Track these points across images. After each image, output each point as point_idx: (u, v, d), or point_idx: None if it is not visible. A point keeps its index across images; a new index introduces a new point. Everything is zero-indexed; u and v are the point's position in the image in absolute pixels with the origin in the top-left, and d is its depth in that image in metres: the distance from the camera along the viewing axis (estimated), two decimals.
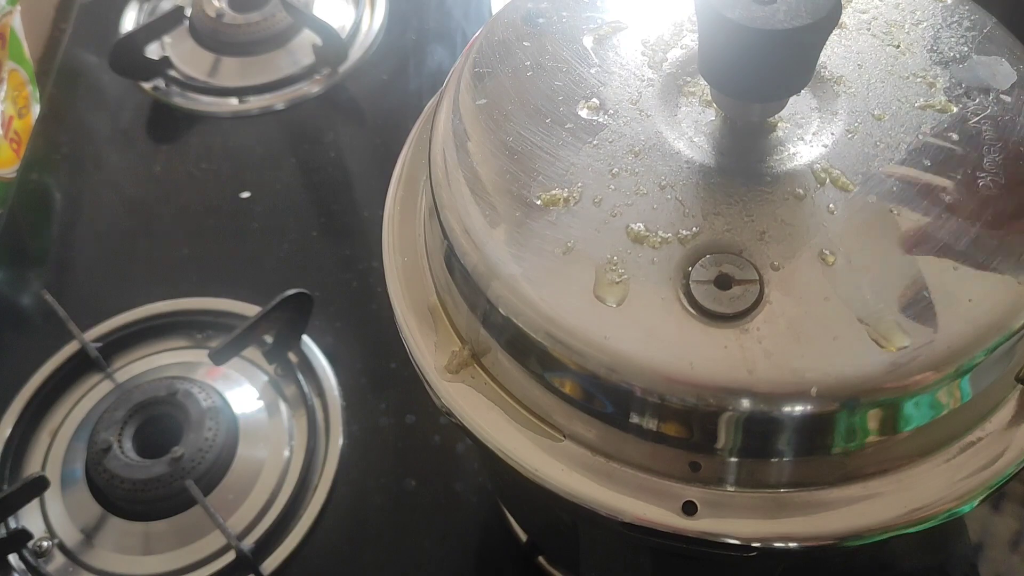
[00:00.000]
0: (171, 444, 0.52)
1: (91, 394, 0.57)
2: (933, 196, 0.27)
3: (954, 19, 0.31)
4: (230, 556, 0.50)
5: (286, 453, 0.54)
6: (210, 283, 0.61)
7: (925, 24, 0.31)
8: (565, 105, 0.29)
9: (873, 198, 0.27)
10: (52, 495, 0.53)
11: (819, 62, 0.29)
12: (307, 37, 0.74)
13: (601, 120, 0.29)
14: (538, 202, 0.27)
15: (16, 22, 0.72)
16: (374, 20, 0.77)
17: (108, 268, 0.64)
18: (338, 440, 0.54)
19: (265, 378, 0.57)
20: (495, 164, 0.28)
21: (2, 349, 0.60)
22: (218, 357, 0.54)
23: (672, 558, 0.31)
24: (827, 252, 0.26)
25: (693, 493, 0.26)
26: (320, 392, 0.56)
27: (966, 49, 0.30)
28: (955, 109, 0.29)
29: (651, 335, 0.25)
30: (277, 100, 0.72)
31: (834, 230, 0.26)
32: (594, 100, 0.29)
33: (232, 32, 0.75)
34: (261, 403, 0.56)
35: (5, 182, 0.69)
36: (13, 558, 0.51)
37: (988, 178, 0.27)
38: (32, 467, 0.54)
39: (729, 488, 0.26)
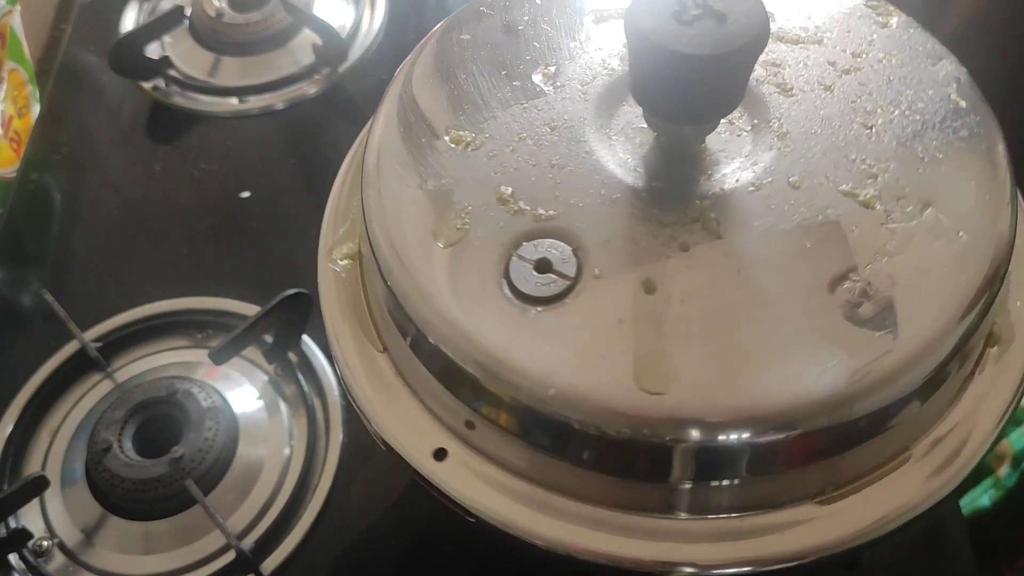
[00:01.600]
0: (171, 444, 0.52)
1: (91, 394, 0.57)
2: (788, 277, 0.26)
3: (954, 124, 0.29)
4: (230, 556, 0.50)
5: (286, 453, 0.54)
6: (210, 283, 0.61)
7: (917, 118, 0.29)
8: (527, 65, 0.31)
9: (732, 253, 0.26)
10: (52, 495, 0.53)
11: (778, 114, 0.29)
12: (307, 37, 0.74)
13: (545, 89, 0.30)
14: (446, 136, 0.29)
15: (16, 22, 0.72)
16: (374, 20, 0.77)
17: (108, 268, 0.64)
18: (338, 439, 0.54)
19: (265, 378, 0.57)
20: (436, 90, 0.31)
21: (2, 349, 0.60)
22: (218, 357, 0.54)
23: None
24: (653, 282, 0.26)
25: (454, 446, 0.27)
26: (320, 392, 0.56)
27: (941, 156, 0.28)
28: (878, 207, 0.27)
29: (455, 285, 0.26)
30: (277, 100, 0.72)
31: (673, 265, 0.26)
32: (552, 69, 0.30)
33: (232, 32, 0.75)
34: (261, 403, 0.56)
35: (5, 182, 0.69)
36: (13, 558, 0.51)
37: (856, 284, 0.25)
38: (32, 467, 0.54)
39: (491, 460, 0.27)
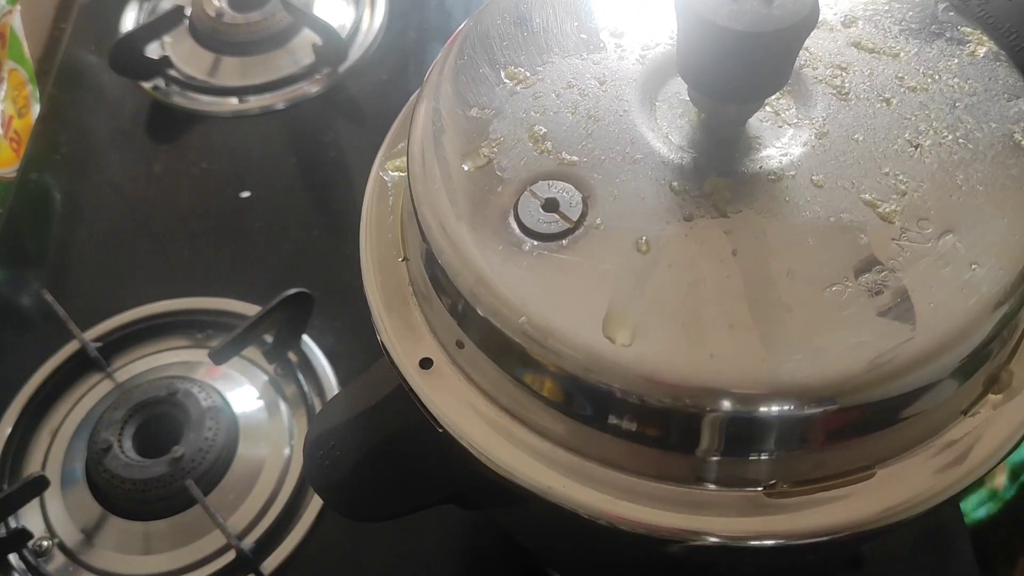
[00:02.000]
0: (171, 444, 0.52)
1: (91, 394, 0.57)
2: (781, 267, 0.26)
3: (1008, 161, 0.28)
4: (230, 556, 0.50)
5: (286, 453, 0.54)
6: (210, 283, 0.61)
7: (970, 147, 0.28)
8: (600, 21, 0.32)
9: (730, 233, 0.26)
10: (52, 495, 0.53)
11: (825, 114, 0.29)
12: (307, 36, 0.74)
13: (608, 45, 0.31)
14: (503, 71, 0.31)
15: (16, 22, 0.72)
16: (374, 20, 0.77)
17: (108, 268, 0.64)
18: None
19: (265, 378, 0.57)
20: (508, 28, 0.32)
21: (2, 349, 0.60)
22: (218, 357, 0.54)
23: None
24: (645, 243, 0.26)
25: (441, 360, 0.29)
26: (320, 391, 0.56)
27: (981, 189, 0.27)
28: (896, 223, 0.26)
29: (468, 206, 0.28)
30: (277, 100, 0.72)
31: (672, 231, 0.26)
32: (620, 29, 0.32)
33: (232, 32, 0.75)
34: (261, 403, 0.56)
35: (5, 182, 0.69)
36: (13, 558, 0.51)
37: (848, 289, 0.25)
38: (32, 467, 0.55)
39: (473, 385, 0.28)
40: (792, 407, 0.25)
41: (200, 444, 0.52)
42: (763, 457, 0.26)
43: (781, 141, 0.29)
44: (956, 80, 0.30)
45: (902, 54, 0.31)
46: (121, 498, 0.51)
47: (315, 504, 0.52)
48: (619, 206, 0.27)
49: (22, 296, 0.63)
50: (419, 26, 0.77)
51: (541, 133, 0.29)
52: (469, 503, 0.36)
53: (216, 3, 0.75)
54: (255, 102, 0.72)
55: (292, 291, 0.54)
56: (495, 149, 0.29)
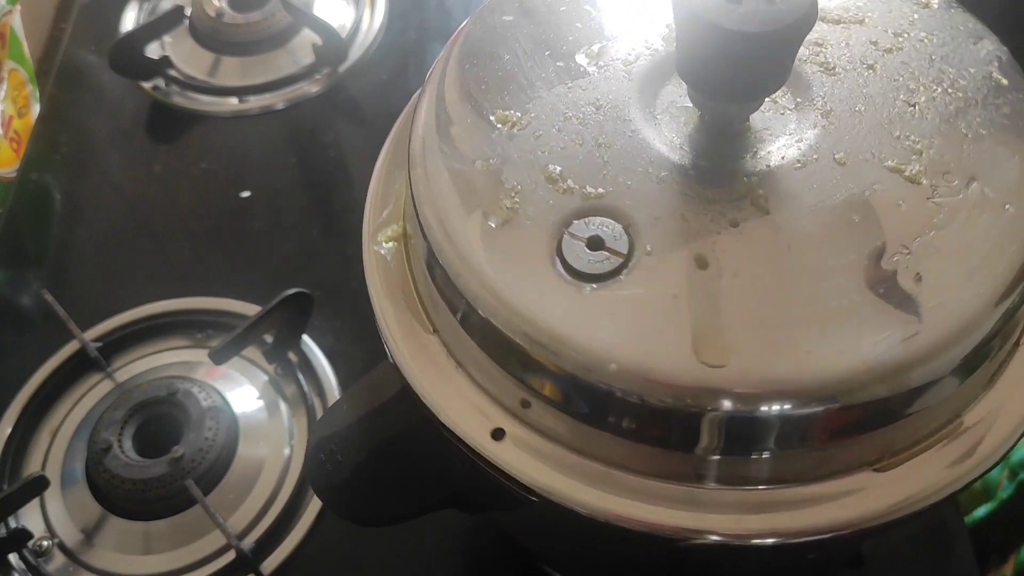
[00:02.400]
0: (171, 444, 0.52)
1: (91, 394, 0.57)
2: (838, 251, 0.26)
3: (996, 101, 0.29)
4: (230, 556, 0.50)
5: (286, 453, 0.54)
6: (210, 283, 0.61)
7: (960, 95, 0.29)
8: (570, 45, 0.31)
9: (780, 228, 0.26)
10: (52, 495, 0.53)
11: (821, 92, 0.29)
12: (307, 36, 0.74)
13: (589, 68, 0.30)
14: (492, 117, 0.29)
15: (16, 22, 0.72)
16: (374, 20, 0.77)
17: (108, 268, 0.64)
18: None
19: (265, 378, 0.57)
20: (479, 71, 0.30)
21: (2, 349, 0.60)
22: (218, 357, 0.54)
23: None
24: (705, 258, 0.26)
25: (511, 425, 0.27)
26: (320, 392, 0.56)
27: (985, 133, 0.28)
28: (924, 183, 0.27)
29: (509, 264, 0.26)
30: (277, 100, 0.72)
31: (724, 241, 0.26)
32: (595, 49, 0.31)
33: (232, 32, 0.75)
34: (261, 403, 0.56)
35: (5, 182, 0.69)
36: (13, 558, 0.51)
37: (905, 257, 0.26)
38: (32, 467, 0.54)
39: (550, 438, 0.27)
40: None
41: (200, 444, 0.52)
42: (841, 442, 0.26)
43: (790, 127, 0.29)
44: (923, 34, 0.31)
45: (866, 19, 0.31)
46: (121, 498, 0.51)
47: (315, 504, 0.52)
48: (662, 228, 0.26)
49: (22, 296, 0.63)
50: (419, 26, 0.77)
51: (557, 172, 0.28)
52: (471, 506, 0.35)
53: (216, 3, 0.75)
54: (255, 102, 0.72)
55: (292, 291, 0.54)
56: (516, 199, 0.27)
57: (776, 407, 0.24)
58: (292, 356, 0.57)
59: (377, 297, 0.30)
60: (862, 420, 0.25)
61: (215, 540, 0.50)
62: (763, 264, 0.26)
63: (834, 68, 0.30)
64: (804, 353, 0.24)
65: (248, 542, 0.50)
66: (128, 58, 0.72)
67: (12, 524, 0.51)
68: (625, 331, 0.25)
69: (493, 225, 0.27)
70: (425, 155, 0.29)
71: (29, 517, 0.52)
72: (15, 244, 0.66)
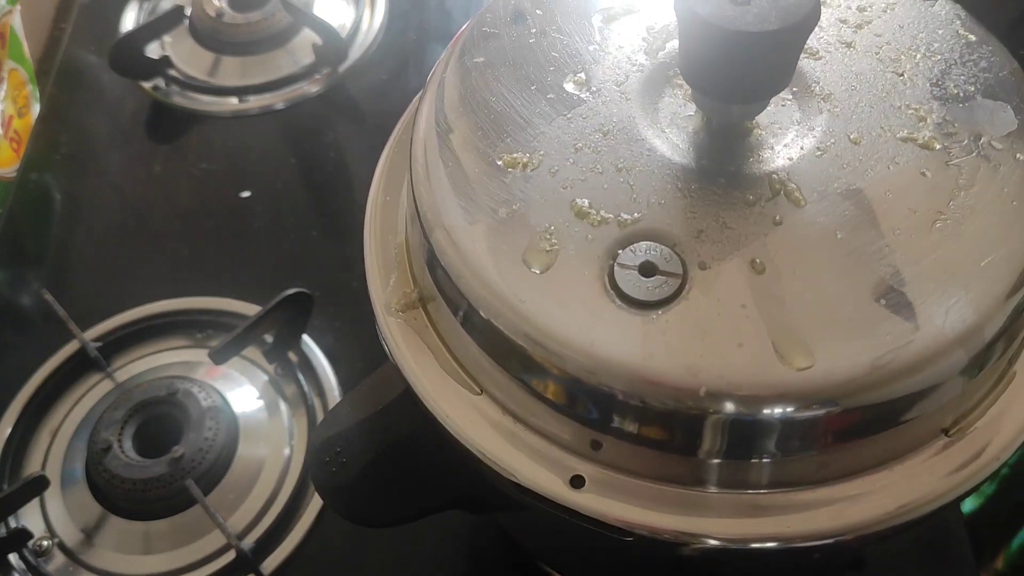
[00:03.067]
0: (171, 444, 0.52)
1: (91, 394, 0.57)
2: (883, 227, 0.26)
3: (972, 57, 0.30)
4: (230, 555, 0.50)
5: (286, 452, 0.54)
6: (210, 283, 0.61)
7: (938, 57, 0.30)
8: (554, 76, 0.30)
9: (822, 217, 0.26)
10: (52, 494, 0.53)
11: (814, 78, 0.30)
12: (307, 36, 0.74)
13: (582, 96, 0.30)
14: (499, 162, 0.28)
15: (16, 22, 0.72)
16: (374, 20, 0.77)
17: (108, 268, 0.64)
18: None
19: (265, 377, 0.57)
20: (472, 119, 0.30)
21: (2, 349, 0.60)
22: (218, 356, 0.54)
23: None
24: (759, 261, 0.26)
25: (586, 469, 0.27)
26: (320, 391, 0.56)
27: (973, 89, 0.29)
28: (938, 147, 0.28)
29: (564, 307, 0.25)
30: (277, 100, 0.72)
31: (773, 241, 0.26)
32: (581, 75, 0.30)
33: (232, 31, 0.75)
34: (261, 402, 0.56)
35: (5, 182, 0.69)
36: (13, 557, 0.51)
37: (948, 221, 0.26)
38: (32, 467, 0.54)
39: (625, 472, 0.26)
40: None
41: (200, 444, 0.52)
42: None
43: (796, 117, 0.29)
44: (883, 4, 0.32)
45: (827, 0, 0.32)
46: (121, 498, 0.51)
47: (315, 504, 0.52)
48: (709, 240, 0.26)
49: (22, 296, 0.63)
50: (419, 26, 0.77)
51: (586, 205, 0.27)
52: (475, 507, 0.35)
53: (216, 3, 0.75)
54: (255, 102, 0.72)
55: (292, 291, 0.54)
56: (553, 241, 0.26)
57: (866, 397, 0.25)
58: (292, 356, 0.57)
59: (413, 369, 0.29)
60: (945, 389, 0.26)
61: (215, 540, 0.50)
62: (817, 256, 0.26)
63: (817, 52, 0.30)
64: (884, 336, 0.24)
65: (248, 542, 0.50)
66: (128, 58, 0.72)
67: (12, 524, 0.51)
68: (705, 351, 0.24)
69: (538, 271, 0.26)
70: (442, 217, 0.28)
71: (29, 517, 0.52)
72: (15, 244, 0.66)
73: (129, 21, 0.78)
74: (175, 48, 0.75)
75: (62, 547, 0.51)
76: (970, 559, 0.47)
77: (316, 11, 0.75)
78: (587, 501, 0.26)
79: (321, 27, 0.72)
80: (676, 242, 0.26)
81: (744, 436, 0.25)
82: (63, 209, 0.68)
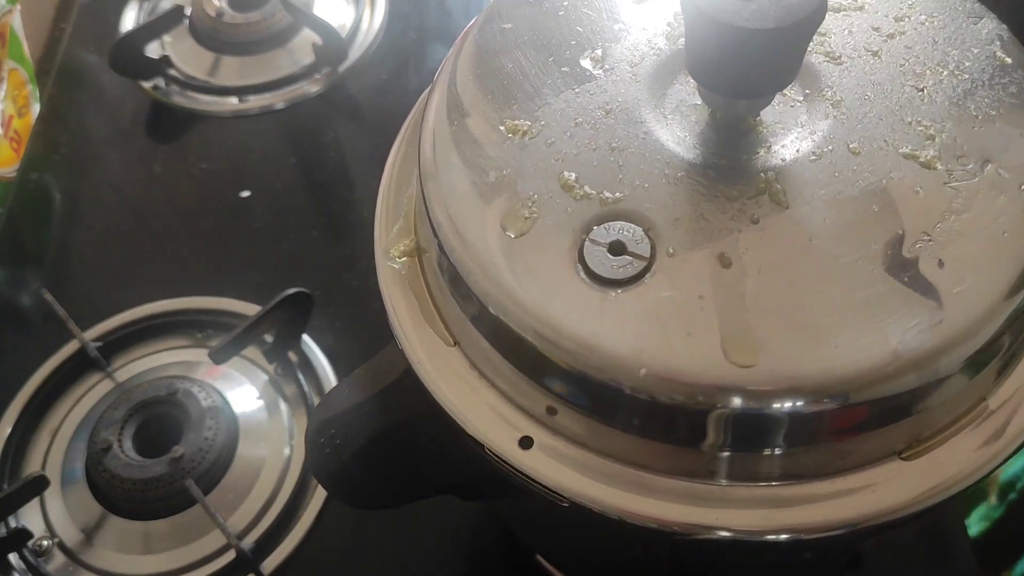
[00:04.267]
0: (171, 443, 0.52)
1: (91, 393, 0.57)
2: (859, 242, 0.26)
3: (1002, 80, 0.29)
4: (230, 555, 0.50)
5: (286, 452, 0.54)
6: (210, 283, 0.61)
7: (966, 76, 0.29)
8: (573, 50, 0.31)
9: (801, 222, 0.26)
10: (52, 494, 0.53)
11: (828, 83, 0.29)
12: (307, 36, 0.74)
13: (595, 72, 0.30)
14: (501, 127, 0.29)
15: (16, 21, 0.72)
16: (374, 19, 0.77)
17: (108, 268, 0.64)
18: None
19: (265, 377, 0.57)
20: (486, 82, 0.30)
21: (2, 349, 0.60)
22: (218, 356, 0.54)
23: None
24: (727, 255, 0.26)
25: (538, 433, 0.27)
26: (320, 391, 0.56)
27: (995, 113, 0.28)
28: (939, 167, 0.27)
29: (531, 273, 0.26)
30: (277, 99, 0.72)
31: (746, 239, 0.26)
32: (599, 52, 0.31)
33: (232, 31, 0.75)
34: (261, 402, 0.56)
35: (5, 182, 0.69)
36: (13, 557, 0.51)
37: (931, 243, 0.26)
38: (32, 466, 0.55)
39: (575, 442, 0.27)
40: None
41: (200, 444, 0.52)
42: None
43: (801, 119, 0.29)
44: (923, 17, 0.31)
45: (866, 6, 0.31)
46: (121, 498, 0.51)
47: (315, 504, 0.52)
48: (683, 228, 0.26)
49: (22, 296, 0.63)
50: (419, 26, 0.77)
51: (572, 179, 0.28)
52: (470, 494, 0.35)
53: (216, 3, 0.75)
54: (255, 102, 0.72)
55: (292, 291, 0.54)
56: (533, 209, 0.27)
57: (805, 404, 0.24)
58: (292, 356, 0.57)
59: (396, 312, 0.30)
60: (891, 410, 0.25)
61: (215, 540, 0.50)
62: (786, 259, 0.26)
63: (839, 57, 0.30)
64: (832, 347, 0.24)
65: (248, 542, 0.50)
66: (128, 58, 0.72)
67: (12, 524, 0.51)
68: (653, 335, 0.25)
69: (512, 236, 0.27)
70: (437, 170, 0.29)
71: (29, 517, 0.52)
72: (15, 244, 0.66)
73: (129, 21, 0.78)
74: (175, 48, 0.75)
75: (62, 547, 0.51)
76: (970, 559, 0.47)
77: (316, 11, 0.75)
78: (531, 461, 0.27)
79: (321, 27, 0.72)
80: (651, 226, 0.26)
81: (682, 423, 0.25)
82: (63, 209, 0.68)
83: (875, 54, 0.30)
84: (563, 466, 0.27)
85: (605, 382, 0.25)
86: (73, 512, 0.52)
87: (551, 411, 0.27)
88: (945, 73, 0.29)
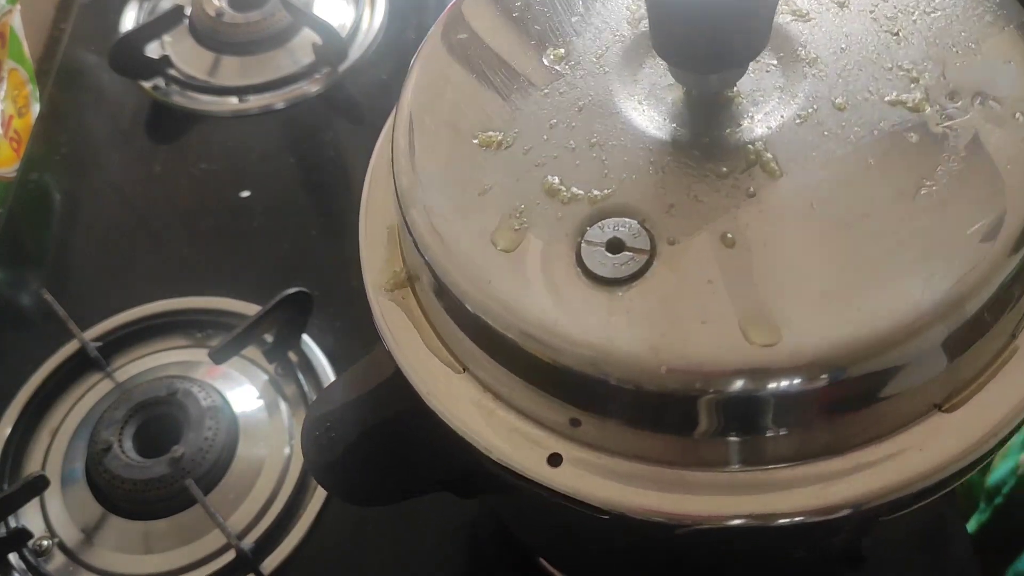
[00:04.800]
0: (171, 443, 0.52)
1: (91, 393, 0.57)
2: (862, 196, 0.25)
3: (977, 11, 0.28)
4: (230, 555, 0.50)
5: (286, 452, 0.54)
6: (210, 283, 0.61)
7: (939, 13, 0.28)
8: (533, 50, 0.30)
9: (798, 188, 0.25)
10: (52, 494, 0.53)
11: (800, 41, 0.29)
12: (307, 36, 0.74)
13: (560, 70, 0.29)
14: (475, 140, 0.28)
15: (16, 21, 0.72)
16: (374, 19, 0.77)
17: (108, 268, 0.64)
18: None
19: (265, 377, 0.57)
20: (451, 97, 0.29)
21: (2, 349, 0.60)
22: (218, 356, 0.54)
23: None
24: (729, 235, 0.25)
25: (565, 447, 0.26)
26: (320, 391, 0.56)
27: (974, 46, 0.28)
28: (928, 110, 0.26)
29: (531, 287, 0.25)
30: (277, 99, 0.72)
31: (745, 214, 0.25)
32: (561, 49, 0.30)
33: (232, 31, 0.75)
34: (261, 402, 0.56)
35: (5, 182, 0.69)
36: (13, 557, 0.51)
37: (933, 187, 0.25)
38: (32, 466, 0.54)
39: (604, 451, 0.26)
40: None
41: (200, 444, 0.52)
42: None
43: (779, 83, 0.28)
44: None
45: None
46: (121, 498, 0.51)
47: (315, 504, 0.52)
48: (679, 214, 0.26)
49: (22, 296, 0.63)
50: (419, 26, 0.77)
51: (557, 183, 0.27)
52: (461, 490, 0.35)
53: (216, 3, 0.75)
54: (255, 102, 0.72)
55: (292, 291, 0.54)
56: (522, 220, 0.26)
57: (837, 373, 0.23)
58: (292, 356, 0.57)
59: (399, 346, 0.29)
60: (925, 363, 0.24)
61: (215, 540, 0.50)
62: (789, 229, 0.25)
63: (807, 14, 0.29)
64: (855, 311, 0.23)
65: (248, 542, 0.50)
66: (128, 58, 0.72)
67: (12, 524, 0.51)
68: (667, 329, 0.24)
69: (506, 250, 0.26)
70: (417, 196, 0.28)
71: (29, 517, 0.52)
72: (15, 244, 0.66)
73: (129, 21, 0.78)
74: (175, 48, 0.75)
75: (62, 547, 0.51)
76: (970, 558, 0.47)
77: (316, 11, 0.75)
78: (563, 479, 0.26)
79: (321, 27, 0.72)
80: (645, 217, 0.26)
81: (713, 414, 0.24)
82: (63, 209, 0.68)
83: (842, 5, 0.29)
84: (598, 477, 0.26)
85: (625, 385, 0.24)
86: (73, 512, 0.52)
87: (575, 423, 0.26)
88: (917, 13, 0.29)
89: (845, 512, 0.24)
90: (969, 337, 0.25)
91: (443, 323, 0.29)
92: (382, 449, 0.33)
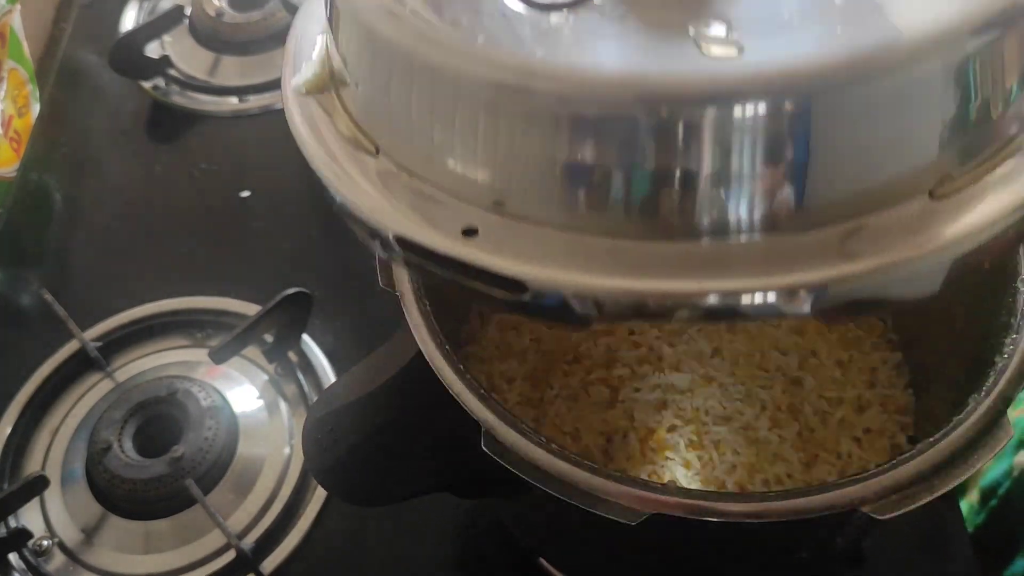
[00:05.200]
0: (171, 443, 0.52)
1: (91, 393, 0.57)
2: None
3: None
4: (230, 555, 0.50)
5: (286, 452, 0.54)
6: (210, 282, 0.61)
7: None
8: None
9: None
10: (52, 494, 0.53)
11: None
12: None
13: None
14: None
15: (16, 21, 0.72)
16: None
17: (108, 268, 0.64)
18: None
19: (265, 377, 0.57)
20: None
21: (2, 349, 0.60)
22: (218, 356, 0.54)
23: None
24: None
25: (483, 219, 0.23)
26: (320, 391, 0.56)
27: None
28: None
29: (461, 17, 0.22)
30: (277, 99, 0.72)
31: None
32: None
33: (232, 31, 0.75)
34: (261, 402, 0.56)
35: (5, 182, 0.69)
36: (13, 557, 0.51)
37: None
38: (32, 466, 0.54)
39: (526, 223, 0.22)
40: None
41: (200, 444, 0.52)
42: None
43: None
44: None
45: None
46: (121, 498, 0.51)
47: (315, 504, 0.52)
48: None
49: (22, 296, 0.63)
50: None
51: None
52: (464, 491, 0.35)
53: (216, 2, 0.75)
54: (255, 102, 0.72)
55: (292, 291, 0.54)
56: None
57: (803, 101, 0.20)
58: (292, 356, 0.57)
59: (306, 141, 0.27)
60: (917, 121, 0.21)
61: (215, 540, 0.50)
62: None
63: None
64: (834, 36, 0.20)
65: (248, 542, 0.50)
66: (128, 58, 0.72)
67: (12, 524, 0.51)
68: (627, 50, 0.21)
69: None
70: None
71: (29, 517, 0.52)
72: (15, 244, 0.66)
73: (129, 21, 0.78)
74: (175, 48, 0.75)
75: (62, 547, 0.51)
76: (970, 559, 0.47)
77: None
78: (476, 252, 0.22)
79: None
80: None
81: (660, 148, 0.20)
82: (63, 209, 0.68)
83: None
84: (519, 248, 0.22)
85: (556, 108, 0.20)
86: (73, 512, 0.52)
87: (498, 206, 0.23)
88: None
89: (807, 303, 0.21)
90: (965, 107, 0.22)
91: (357, 105, 0.26)
92: (383, 450, 0.33)
